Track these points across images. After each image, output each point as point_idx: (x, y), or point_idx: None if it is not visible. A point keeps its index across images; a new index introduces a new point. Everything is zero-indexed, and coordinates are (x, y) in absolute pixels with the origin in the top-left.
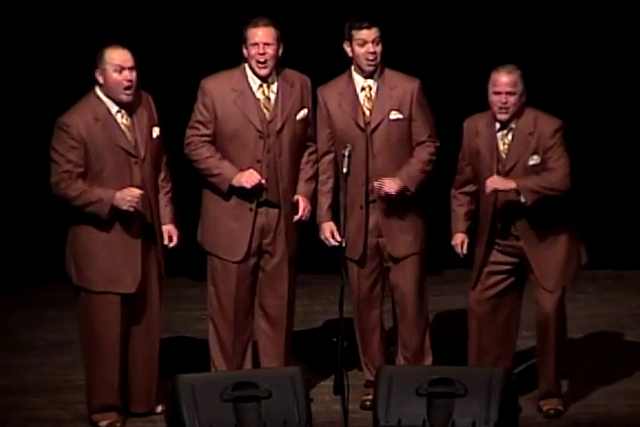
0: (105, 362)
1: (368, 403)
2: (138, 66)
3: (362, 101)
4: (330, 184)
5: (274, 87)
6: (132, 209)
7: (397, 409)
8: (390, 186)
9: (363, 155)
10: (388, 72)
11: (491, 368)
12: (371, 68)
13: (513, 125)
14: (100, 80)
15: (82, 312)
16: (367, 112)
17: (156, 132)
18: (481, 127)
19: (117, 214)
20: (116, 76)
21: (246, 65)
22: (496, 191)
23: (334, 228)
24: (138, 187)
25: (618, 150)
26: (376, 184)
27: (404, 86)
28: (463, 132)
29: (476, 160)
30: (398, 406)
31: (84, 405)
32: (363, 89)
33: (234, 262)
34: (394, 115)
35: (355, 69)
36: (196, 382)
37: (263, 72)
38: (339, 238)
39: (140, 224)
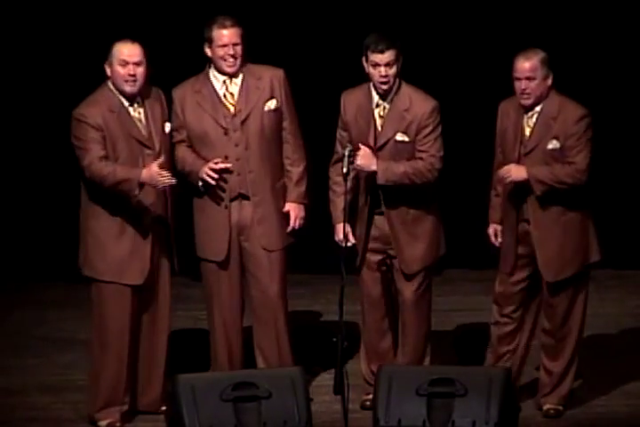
0: (113, 354)
1: (368, 403)
2: (146, 61)
3: (375, 118)
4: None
5: (237, 81)
6: (163, 185)
7: (397, 409)
8: (362, 156)
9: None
10: (404, 90)
11: (491, 368)
12: (382, 90)
13: (538, 109)
14: (108, 72)
15: (93, 304)
16: (379, 129)
17: (167, 127)
18: (512, 109)
19: (130, 205)
20: (119, 69)
21: (211, 66)
22: (512, 182)
23: (349, 229)
24: None
25: (618, 150)
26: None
27: (417, 108)
28: (498, 116)
29: (503, 142)
30: (398, 406)
31: (85, 404)
32: (377, 105)
33: (217, 262)
34: (400, 137)
35: (372, 84)
36: (196, 382)
37: (232, 70)
38: (353, 241)
39: (152, 216)
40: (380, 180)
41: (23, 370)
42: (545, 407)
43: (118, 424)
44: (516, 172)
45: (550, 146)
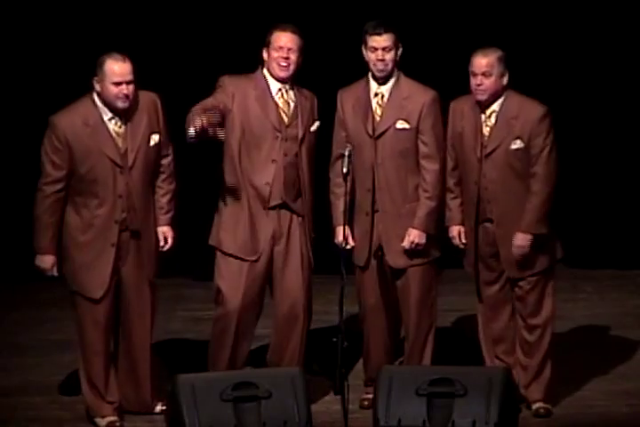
0: (90, 361)
1: (366, 403)
2: (136, 73)
3: (373, 107)
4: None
5: (292, 94)
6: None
7: (397, 409)
8: (415, 243)
9: (369, 161)
10: (404, 81)
11: (491, 368)
12: (380, 75)
13: (496, 108)
14: (98, 88)
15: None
16: (377, 118)
17: (154, 139)
18: (466, 109)
19: (97, 218)
20: (112, 88)
21: (264, 69)
22: (523, 250)
23: (349, 232)
24: (120, 196)
25: (617, 150)
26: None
27: (417, 98)
28: (449, 115)
29: (459, 142)
30: (398, 406)
31: (84, 404)
32: (376, 95)
33: (249, 261)
34: (400, 124)
35: (371, 75)
36: (196, 382)
37: (283, 74)
38: (352, 243)
39: (120, 231)
40: (431, 232)
41: (23, 370)
42: (534, 407)
43: (118, 424)
44: (522, 241)
45: (514, 146)
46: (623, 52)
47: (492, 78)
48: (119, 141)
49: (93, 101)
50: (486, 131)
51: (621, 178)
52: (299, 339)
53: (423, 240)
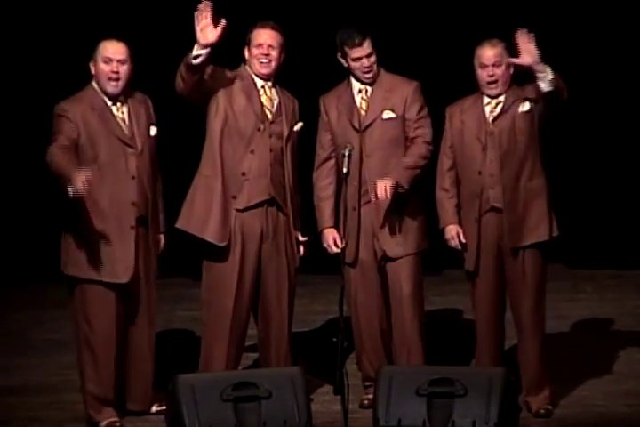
0: (98, 356)
1: (366, 402)
2: (131, 62)
3: (358, 103)
4: (331, 190)
5: (274, 92)
6: (77, 192)
7: (397, 409)
8: (381, 191)
9: (357, 156)
10: (385, 75)
11: (491, 368)
12: (369, 80)
13: (502, 99)
14: (92, 70)
15: (76, 303)
16: (363, 113)
17: (153, 130)
18: (466, 106)
19: (114, 205)
20: (103, 66)
21: (247, 67)
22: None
23: (337, 235)
24: (133, 177)
25: (617, 151)
26: (370, 190)
27: (401, 89)
28: (446, 119)
29: (459, 138)
30: (398, 406)
31: (84, 405)
32: (359, 91)
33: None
34: (387, 114)
35: (354, 78)
36: (196, 382)
37: (264, 71)
38: (341, 246)
39: (136, 216)
40: (405, 185)
41: (23, 370)
42: (534, 409)
43: (118, 424)
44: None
45: (522, 108)
46: (630, 52)
47: (502, 68)
48: (123, 126)
49: (94, 88)
50: (492, 119)
51: (621, 178)
52: (283, 320)
53: (391, 184)
